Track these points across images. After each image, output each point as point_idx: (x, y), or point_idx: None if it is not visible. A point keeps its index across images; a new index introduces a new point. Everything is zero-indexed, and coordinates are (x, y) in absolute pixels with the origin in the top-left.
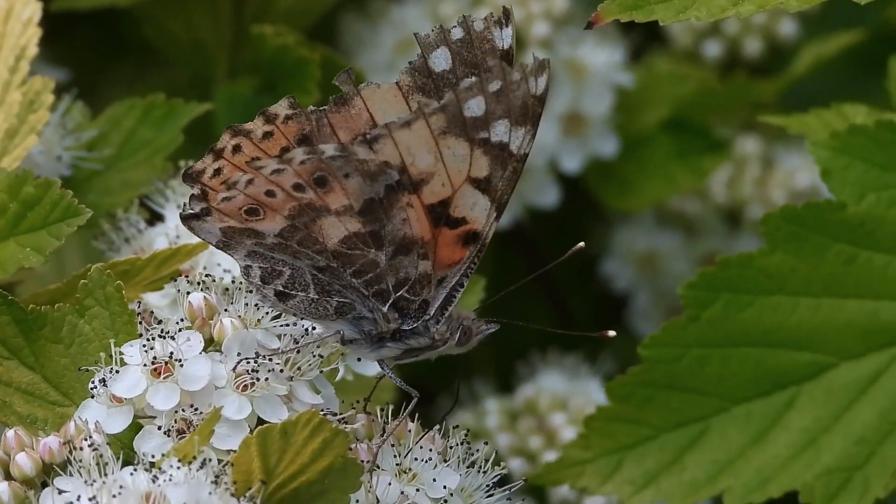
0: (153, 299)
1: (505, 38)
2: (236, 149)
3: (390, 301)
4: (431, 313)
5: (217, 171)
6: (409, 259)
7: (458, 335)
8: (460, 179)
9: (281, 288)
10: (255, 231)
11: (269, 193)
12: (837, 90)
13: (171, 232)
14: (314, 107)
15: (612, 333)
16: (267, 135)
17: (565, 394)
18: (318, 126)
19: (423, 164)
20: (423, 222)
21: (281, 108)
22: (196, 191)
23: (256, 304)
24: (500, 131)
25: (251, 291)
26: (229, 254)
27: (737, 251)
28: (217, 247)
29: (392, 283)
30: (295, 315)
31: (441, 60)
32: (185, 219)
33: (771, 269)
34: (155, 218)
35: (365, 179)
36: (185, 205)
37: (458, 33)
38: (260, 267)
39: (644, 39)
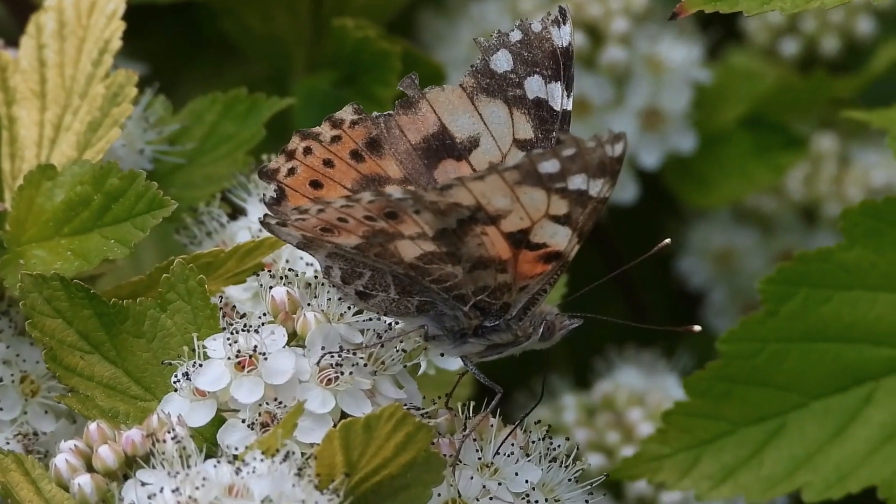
0: (235, 293)
1: (563, 36)
2: (307, 151)
3: (471, 303)
4: (514, 314)
5: (291, 171)
6: (488, 273)
7: (541, 330)
8: (539, 216)
9: (361, 288)
10: (332, 243)
11: (342, 220)
12: None
13: (253, 226)
14: (378, 112)
15: (697, 328)
16: (335, 139)
17: (643, 389)
18: (388, 128)
19: (500, 205)
20: (502, 245)
21: (346, 113)
22: (273, 188)
23: (339, 299)
24: (577, 182)
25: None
26: (310, 253)
27: (813, 249)
28: (298, 247)
29: (472, 290)
30: (377, 313)
31: (502, 62)
32: (264, 224)
33: (850, 264)
34: (237, 212)
35: (436, 215)
36: (264, 205)
37: (516, 35)
38: (340, 268)
39: (722, 37)
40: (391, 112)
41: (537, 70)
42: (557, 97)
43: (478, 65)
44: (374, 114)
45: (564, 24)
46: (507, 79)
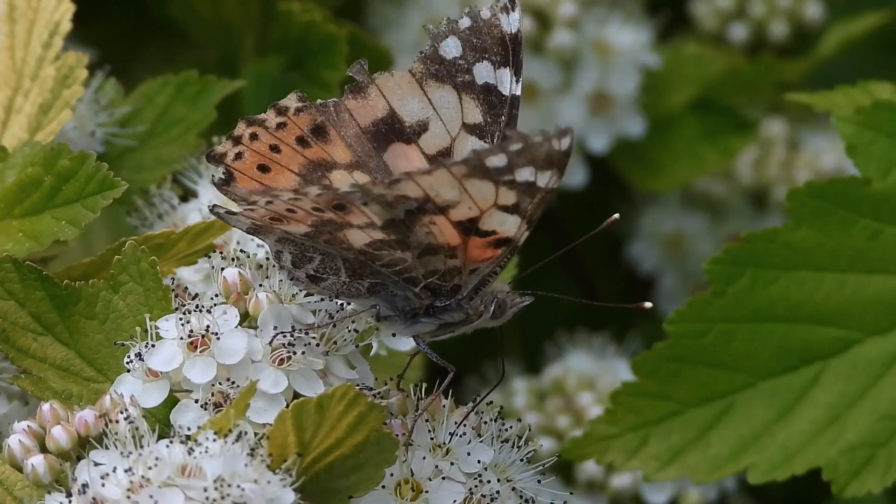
0: (186, 274)
1: (512, 23)
2: (253, 136)
3: (421, 285)
4: (464, 294)
5: (238, 155)
6: (437, 258)
7: (492, 308)
8: (487, 205)
9: (312, 272)
10: (281, 229)
11: (290, 211)
12: (864, 71)
13: (204, 207)
14: (321, 101)
15: (648, 305)
16: (280, 125)
17: (593, 373)
18: (337, 112)
19: (448, 196)
20: (451, 233)
21: (290, 101)
22: (221, 171)
23: (291, 280)
24: (525, 174)
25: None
26: (260, 238)
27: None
28: (248, 232)
29: (422, 273)
30: (328, 296)
31: (451, 48)
32: (214, 212)
33: (796, 245)
34: (188, 194)
35: (384, 206)
36: (214, 187)
37: (465, 23)
38: (291, 252)
39: (670, 22)
40: (338, 99)
41: (486, 56)
42: (506, 82)
43: (427, 51)
44: (319, 101)
45: (513, 10)
46: (457, 65)
